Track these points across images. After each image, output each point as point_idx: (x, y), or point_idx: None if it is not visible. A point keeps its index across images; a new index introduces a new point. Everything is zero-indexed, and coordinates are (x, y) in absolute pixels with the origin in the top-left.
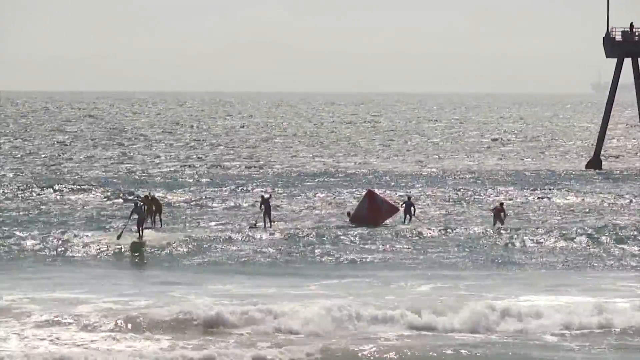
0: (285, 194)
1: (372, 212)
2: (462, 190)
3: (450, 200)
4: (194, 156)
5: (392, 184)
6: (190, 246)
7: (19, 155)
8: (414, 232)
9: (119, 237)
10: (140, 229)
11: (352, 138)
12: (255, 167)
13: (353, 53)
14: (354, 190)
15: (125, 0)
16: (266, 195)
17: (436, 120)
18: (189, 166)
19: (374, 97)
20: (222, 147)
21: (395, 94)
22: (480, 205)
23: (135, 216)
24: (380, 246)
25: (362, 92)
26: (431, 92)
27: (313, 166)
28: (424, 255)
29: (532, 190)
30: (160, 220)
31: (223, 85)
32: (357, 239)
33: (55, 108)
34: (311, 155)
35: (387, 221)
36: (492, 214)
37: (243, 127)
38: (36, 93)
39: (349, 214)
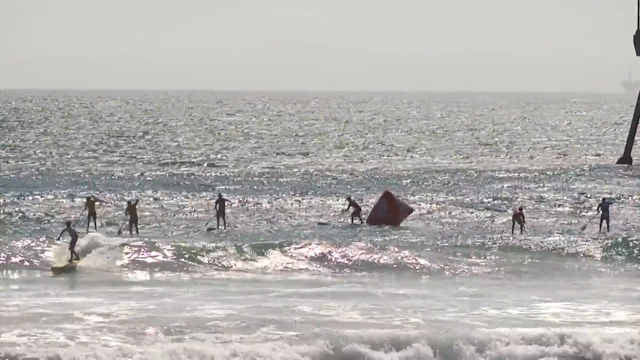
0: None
1: (391, 213)
2: (482, 193)
3: (470, 204)
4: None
5: (404, 185)
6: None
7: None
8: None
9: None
10: (73, 251)
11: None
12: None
13: (379, 52)
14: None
15: (155, 2)
16: (224, 195)
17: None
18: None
19: (399, 96)
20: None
21: (424, 93)
22: (501, 209)
23: (68, 237)
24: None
25: (390, 91)
26: (459, 90)
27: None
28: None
29: (561, 189)
30: (137, 229)
31: (251, 85)
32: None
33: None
34: (327, 155)
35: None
36: (512, 219)
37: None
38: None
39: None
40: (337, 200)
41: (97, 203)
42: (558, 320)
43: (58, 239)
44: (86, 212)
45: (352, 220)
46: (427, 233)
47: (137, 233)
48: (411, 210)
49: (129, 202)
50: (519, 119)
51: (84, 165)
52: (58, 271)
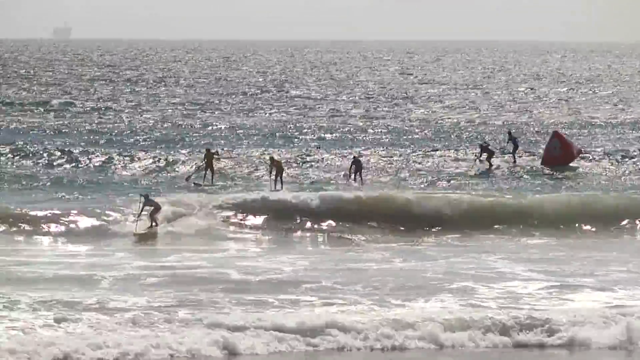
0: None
1: (564, 151)
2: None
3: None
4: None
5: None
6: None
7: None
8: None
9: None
10: (153, 218)
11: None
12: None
13: None
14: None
15: None
16: (358, 156)
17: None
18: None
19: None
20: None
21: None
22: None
23: (148, 207)
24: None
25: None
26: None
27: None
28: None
29: None
30: (282, 181)
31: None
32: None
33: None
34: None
35: None
36: None
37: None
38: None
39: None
40: (472, 149)
41: (215, 156)
42: None
43: (139, 214)
44: (203, 164)
45: (490, 166)
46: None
47: (282, 187)
48: (580, 150)
49: (271, 158)
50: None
51: (223, 119)
52: (140, 237)
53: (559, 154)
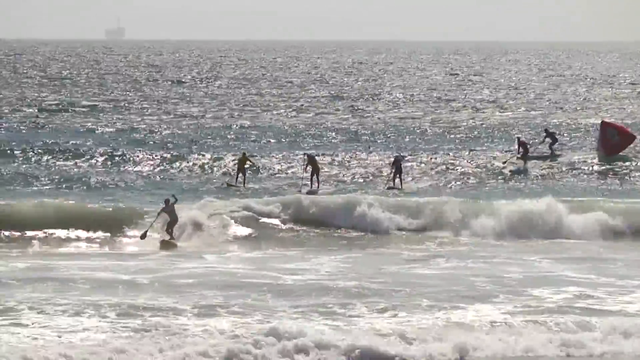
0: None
1: (622, 136)
2: None
3: None
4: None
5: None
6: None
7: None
8: None
9: (143, 237)
10: (172, 230)
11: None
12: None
13: None
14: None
15: None
16: (399, 157)
17: None
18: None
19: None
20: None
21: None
22: None
23: (165, 217)
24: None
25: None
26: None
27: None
28: None
29: None
30: (318, 180)
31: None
32: None
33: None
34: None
35: None
36: None
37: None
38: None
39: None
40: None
41: (249, 162)
42: None
43: (156, 218)
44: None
45: (525, 163)
46: None
47: (319, 185)
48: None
49: (308, 155)
50: None
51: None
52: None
53: (619, 141)
